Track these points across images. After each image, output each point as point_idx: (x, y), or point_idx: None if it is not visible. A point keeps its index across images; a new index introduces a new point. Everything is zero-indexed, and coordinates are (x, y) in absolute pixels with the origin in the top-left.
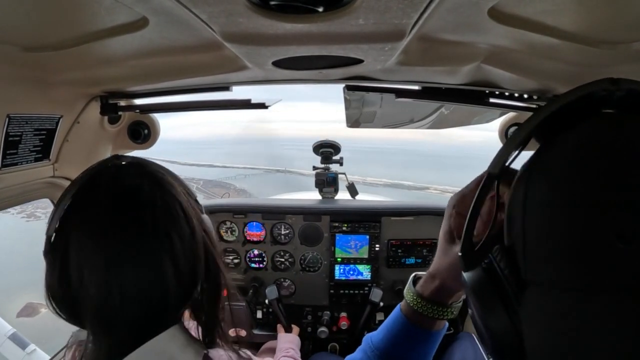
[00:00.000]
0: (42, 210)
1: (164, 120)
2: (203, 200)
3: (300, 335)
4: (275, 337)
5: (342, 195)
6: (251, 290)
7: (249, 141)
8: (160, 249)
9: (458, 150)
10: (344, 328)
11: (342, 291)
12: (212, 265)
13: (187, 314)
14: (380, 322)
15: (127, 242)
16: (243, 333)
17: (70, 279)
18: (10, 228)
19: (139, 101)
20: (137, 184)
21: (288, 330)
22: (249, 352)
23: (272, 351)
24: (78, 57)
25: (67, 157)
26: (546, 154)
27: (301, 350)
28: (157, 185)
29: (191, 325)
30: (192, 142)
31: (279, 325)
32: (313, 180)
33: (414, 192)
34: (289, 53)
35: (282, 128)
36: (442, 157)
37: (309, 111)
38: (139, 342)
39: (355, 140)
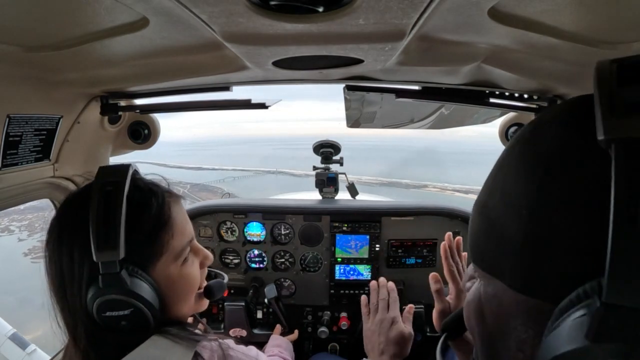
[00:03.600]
0: (17, 224)
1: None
2: (188, 205)
3: (300, 335)
4: None
5: (342, 195)
6: (251, 290)
7: (240, 142)
8: None
9: (453, 146)
10: (344, 328)
11: (342, 291)
12: None
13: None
14: None
15: None
16: (243, 333)
17: None
18: None
19: (139, 101)
20: None
21: (287, 330)
22: (228, 341)
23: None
24: (78, 57)
25: (67, 157)
26: None
27: (301, 350)
28: None
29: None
30: (183, 144)
31: (277, 326)
32: (305, 180)
33: (412, 191)
34: (289, 53)
35: (274, 128)
36: (437, 153)
37: (301, 110)
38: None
39: (349, 138)
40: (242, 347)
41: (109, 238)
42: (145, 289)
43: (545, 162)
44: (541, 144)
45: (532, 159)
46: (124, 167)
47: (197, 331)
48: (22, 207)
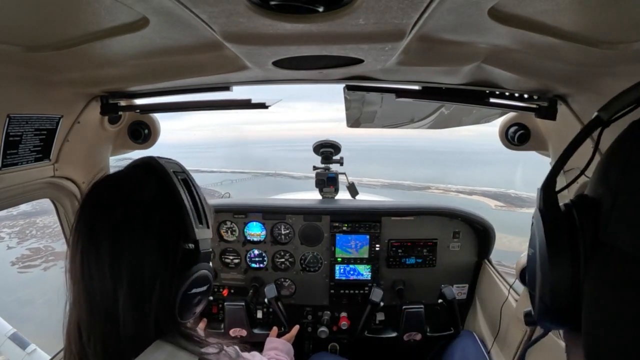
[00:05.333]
0: (7, 230)
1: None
2: None
3: (300, 335)
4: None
5: (343, 195)
6: (251, 290)
7: (238, 144)
8: None
9: (453, 145)
10: (344, 328)
11: (342, 291)
12: None
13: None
14: (381, 322)
15: None
16: (243, 333)
17: None
18: None
19: (139, 101)
20: None
21: (285, 330)
22: (230, 350)
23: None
24: (78, 57)
25: (68, 157)
26: None
27: (301, 350)
28: None
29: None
30: (180, 146)
31: (274, 328)
32: (304, 183)
33: (414, 193)
34: (290, 53)
35: (272, 129)
36: (437, 153)
37: (299, 111)
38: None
39: (349, 139)
40: (246, 355)
41: (202, 218)
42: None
43: None
44: None
45: None
46: (175, 161)
47: (197, 334)
48: (14, 212)
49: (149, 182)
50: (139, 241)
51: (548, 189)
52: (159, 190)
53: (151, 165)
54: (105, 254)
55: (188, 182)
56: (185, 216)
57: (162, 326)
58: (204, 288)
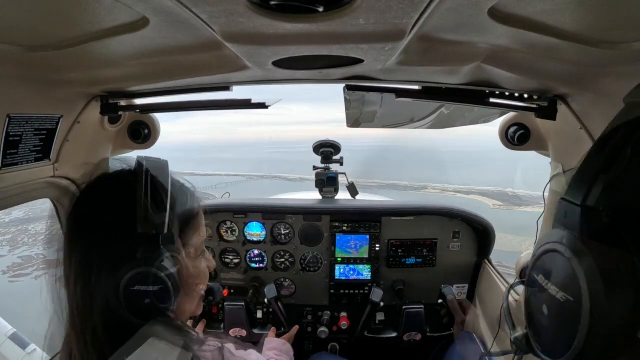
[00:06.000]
0: (0, 237)
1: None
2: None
3: (300, 335)
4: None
5: (343, 195)
6: (251, 290)
7: (233, 146)
8: None
9: (448, 144)
10: (344, 328)
11: (342, 291)
12: None
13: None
14: (381, 322)
15: None
16: (243, 333)
17: None
18: None
19: (139, 101)
20: None
21: (285, 330)
22: (229, 346)
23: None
24: (78, 57)
25: (68, 157)
26: None
27: (301, 350)
28: None
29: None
30: (175, 149)
31: (272, 329)
32: (300, 185)
33: (411, 193)
34: (290, 53)
35: (267, 132)
36: (433, 153)
37: (295, 113)
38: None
39: (345, 140)
40: (242, 352)
41: (156, 214)
42: (174, 271)
43: None
44: None
45: None
46: (162, 161)
47: (194, 334)
48: (6, 219)
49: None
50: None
51: (589, 210)
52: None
53: (132, 174)
54: (94, 254)
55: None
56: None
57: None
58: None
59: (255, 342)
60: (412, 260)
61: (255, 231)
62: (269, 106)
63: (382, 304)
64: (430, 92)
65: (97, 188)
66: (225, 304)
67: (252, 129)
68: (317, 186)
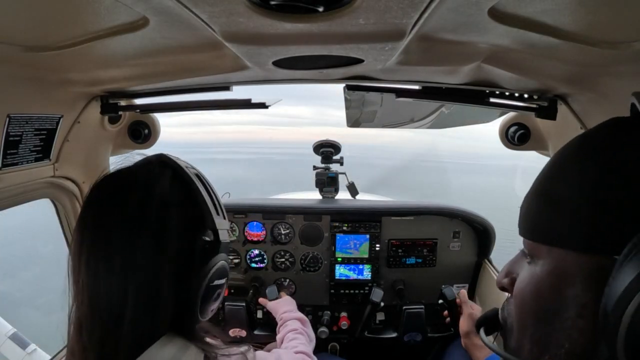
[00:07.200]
0: None
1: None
2: None
3: None
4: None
5: (343, 195)
6: (251, 291)
7: (224, 145)
8: None
9: (452, 147)
10: (344, 328)
11: (342, 291)
12: None
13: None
14: (381, 322)
15: None
16: (243, 333)
17: None
18: None
19: (139, 101)
20: None
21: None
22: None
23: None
24: (78, 57)
25: (68, 157)
26: None
27: None
28: None
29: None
30: (163, 146)
31: (282, 294)
32: (300, 185)
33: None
34: (290, 53)
35: (257, 132)
36: (435, 156)
37: (290, 114)
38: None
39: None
40: (262, 353)
41: (219, 209)
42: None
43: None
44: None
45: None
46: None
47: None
48: None
49: (163, 176)
50: (155, 236)
51: None
52: (174, 184)
53: (164, 161)
54: (116, 251)
55: (200, 176)
56: (203, 207)
57: (177, 325)
58: (223, 280)
59: (256, 344)
60: (412, 260)
61: (255, 231)
62: (269, 106)
63: (382, 304)
64: (430, 92)
65: (147, 196)
66: (225, 304)
67: (243, 127)
68: (317, 186)
